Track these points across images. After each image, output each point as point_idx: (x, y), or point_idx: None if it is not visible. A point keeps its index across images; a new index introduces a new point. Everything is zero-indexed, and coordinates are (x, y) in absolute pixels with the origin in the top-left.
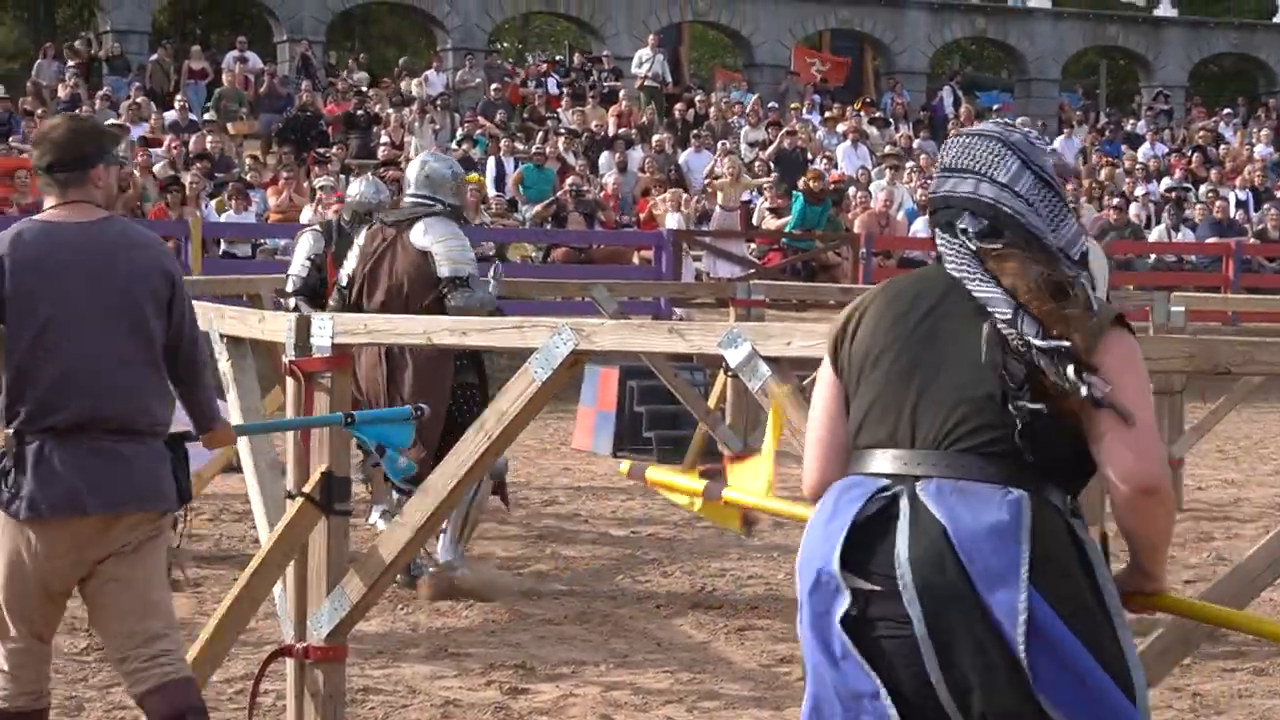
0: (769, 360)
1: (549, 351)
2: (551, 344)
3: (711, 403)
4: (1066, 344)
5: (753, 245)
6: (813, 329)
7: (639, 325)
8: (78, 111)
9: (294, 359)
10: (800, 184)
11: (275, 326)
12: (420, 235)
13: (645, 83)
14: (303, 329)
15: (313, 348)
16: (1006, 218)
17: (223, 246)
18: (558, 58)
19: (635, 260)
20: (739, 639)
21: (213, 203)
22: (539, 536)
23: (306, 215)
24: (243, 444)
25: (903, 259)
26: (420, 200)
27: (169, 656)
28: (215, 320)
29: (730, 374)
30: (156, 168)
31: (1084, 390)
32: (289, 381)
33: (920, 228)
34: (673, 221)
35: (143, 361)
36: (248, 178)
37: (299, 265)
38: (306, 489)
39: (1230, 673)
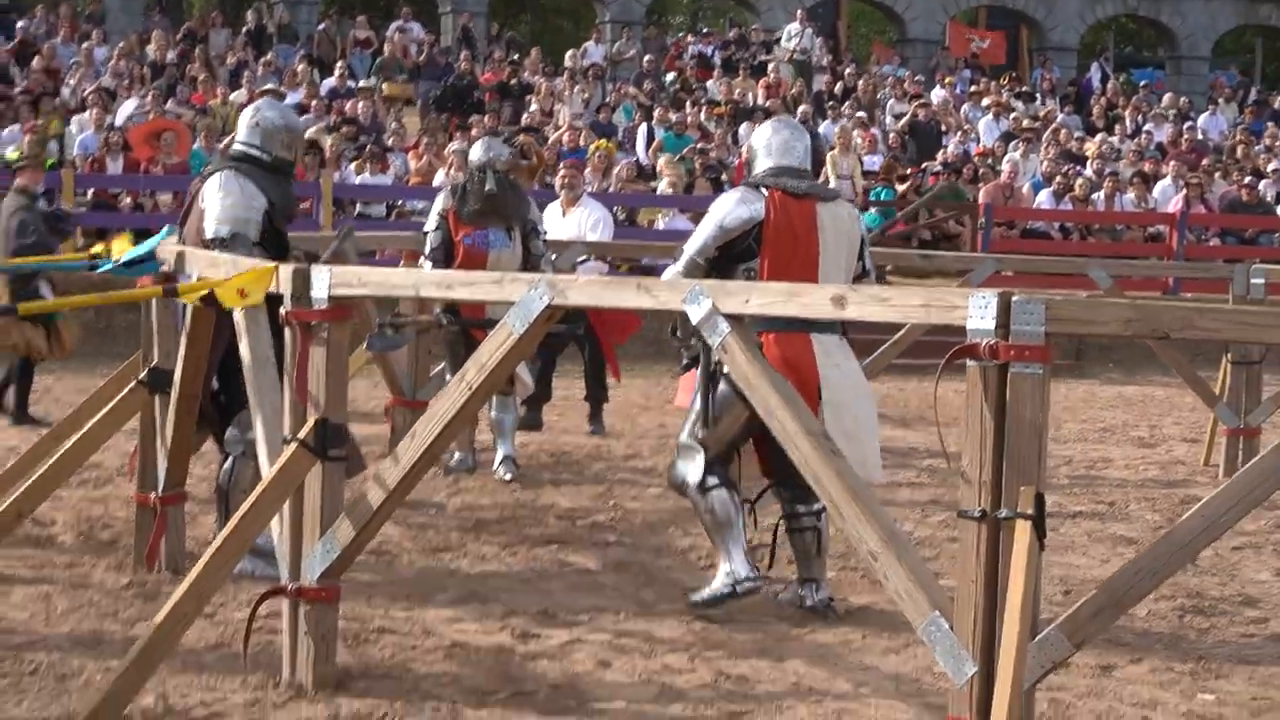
0: (729, 317)
1: (526, 305)
2: (529, 298)
3: None
4: None
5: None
6: (769, 287)
7: (609, 282)
8: (243, 77)
9: (291, 309)
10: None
11: (281, 277)
12: (209, 190)
13: (793, 56)
14: (301, 281)
15: (311, 299)
16: None
17: (358, 208)
18: (705, 30)
19: None
20: (766, 592)
21: (351, 165)
22: (608, 488)
23: (439, 179)
24: (251, 392)
25: (1025, 230)
26: (245, 149)
27: None
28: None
29: None
30: (309, 132)
31: None
32: (287, 331)
33: (1044, 199)
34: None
35: None
36: (389, 142)
37: (431, 224)
38: (301, 435)
39: (1247, 638)
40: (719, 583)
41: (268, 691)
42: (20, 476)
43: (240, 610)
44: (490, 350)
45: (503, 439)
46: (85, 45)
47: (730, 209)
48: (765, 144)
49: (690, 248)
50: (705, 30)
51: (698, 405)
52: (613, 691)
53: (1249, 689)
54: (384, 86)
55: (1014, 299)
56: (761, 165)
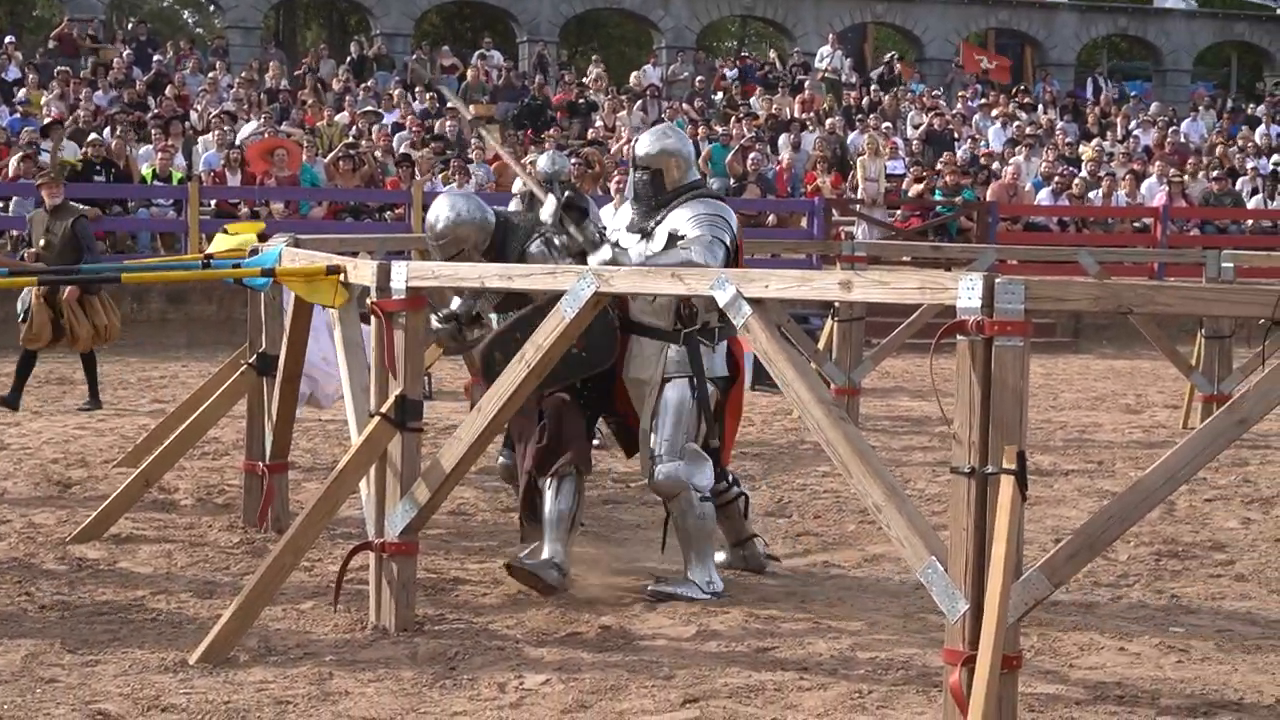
0: (751, 300)
1: (575, 293)
2: (578, 287)
3: (821, 344)
4: None
5: (899, 212)
6: (785, 274)
7: (649, 271)
8: (346, 100)
9: (375, 300)
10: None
11: (363, 272)
12: None
13: (825, 75)
14: (383, 274)
15: (391, 290)
16: None
17: None
18: (745, 54)
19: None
20: (792, 544)
21: (439, 176)
22: None
23: (517, 185)
24: (343, 372)
25: (1027, 223)
26: None
27: None
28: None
29: (835, 320)
30: (402, 149)
31: None
32: (372, 319)
33: (1044, 197)
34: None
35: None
36: (472, 155)
37: None
38: (384, 409)
39: (1215, 578)
40: (694, 591)
41: (355, 634)
42: (148, 450)
43: (333, 564)
44: (545, 333)
45: None
46: (210, 75)
47: (732, 217)
48: (686, 154)
49: (717, 256)
50: (747, 55)
51: (682, 413)
52: (656, 631)
53: (1215, 622)
54: (471, 107)
55: (997, 280)
56: (690, 175)
